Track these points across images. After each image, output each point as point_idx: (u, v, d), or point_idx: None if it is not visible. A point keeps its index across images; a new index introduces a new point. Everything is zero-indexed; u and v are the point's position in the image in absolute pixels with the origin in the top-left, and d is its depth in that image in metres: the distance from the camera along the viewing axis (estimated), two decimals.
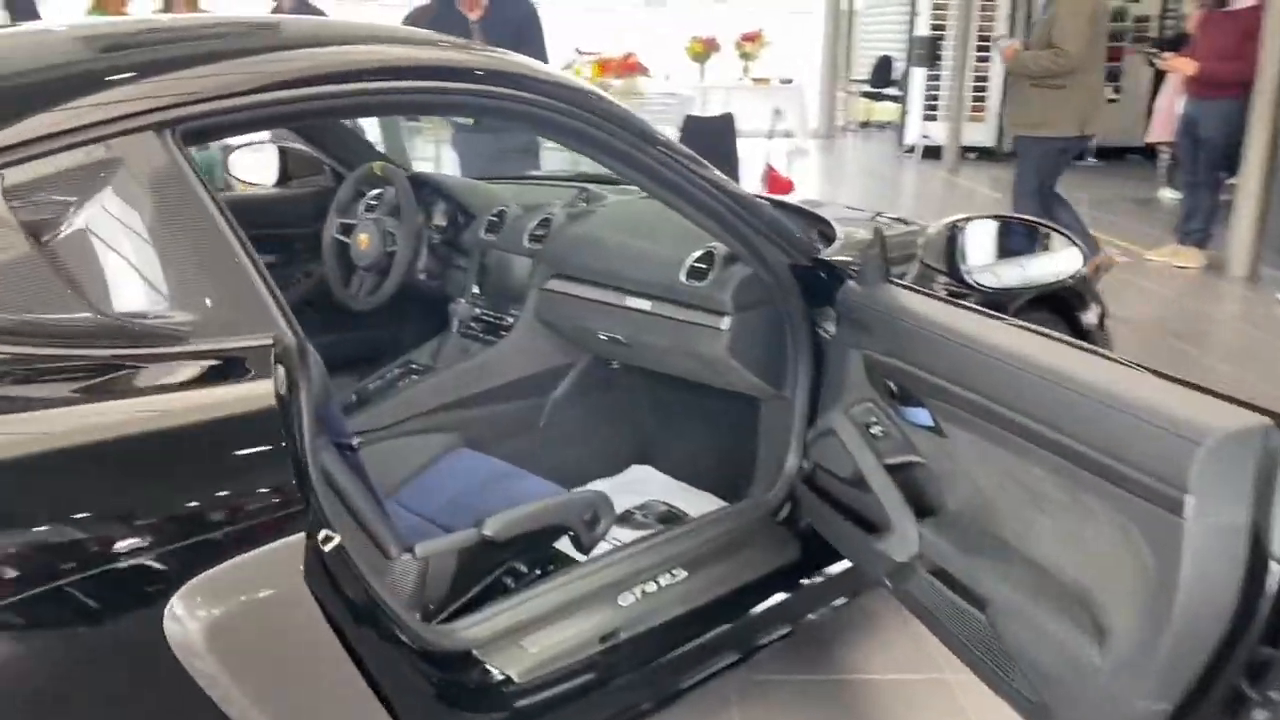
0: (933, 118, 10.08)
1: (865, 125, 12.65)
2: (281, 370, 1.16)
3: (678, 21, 11.25)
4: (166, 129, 1.20)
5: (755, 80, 9.73)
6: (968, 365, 1.51)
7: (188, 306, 1.18)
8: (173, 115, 1.21)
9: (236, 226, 1.22)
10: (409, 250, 2.48)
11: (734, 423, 2.19)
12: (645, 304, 2.17)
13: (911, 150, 10.16)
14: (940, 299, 1.76)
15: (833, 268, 1.89)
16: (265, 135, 3.01)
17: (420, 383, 2.41)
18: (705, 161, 1.79)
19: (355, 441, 1.53)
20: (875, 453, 1.73)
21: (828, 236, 2.11)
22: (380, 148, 3.78)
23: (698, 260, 2.06)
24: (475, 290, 2.57)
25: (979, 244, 2.27)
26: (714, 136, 6.07)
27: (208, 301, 1.19)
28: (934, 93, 10.09)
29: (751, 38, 9.63)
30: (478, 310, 2.55)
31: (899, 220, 2.58)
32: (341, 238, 2.64)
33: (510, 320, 2.46)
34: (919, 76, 10.21)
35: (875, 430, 1.74)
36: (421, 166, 4.12)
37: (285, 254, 2.87)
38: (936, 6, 9.99)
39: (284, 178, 2.92)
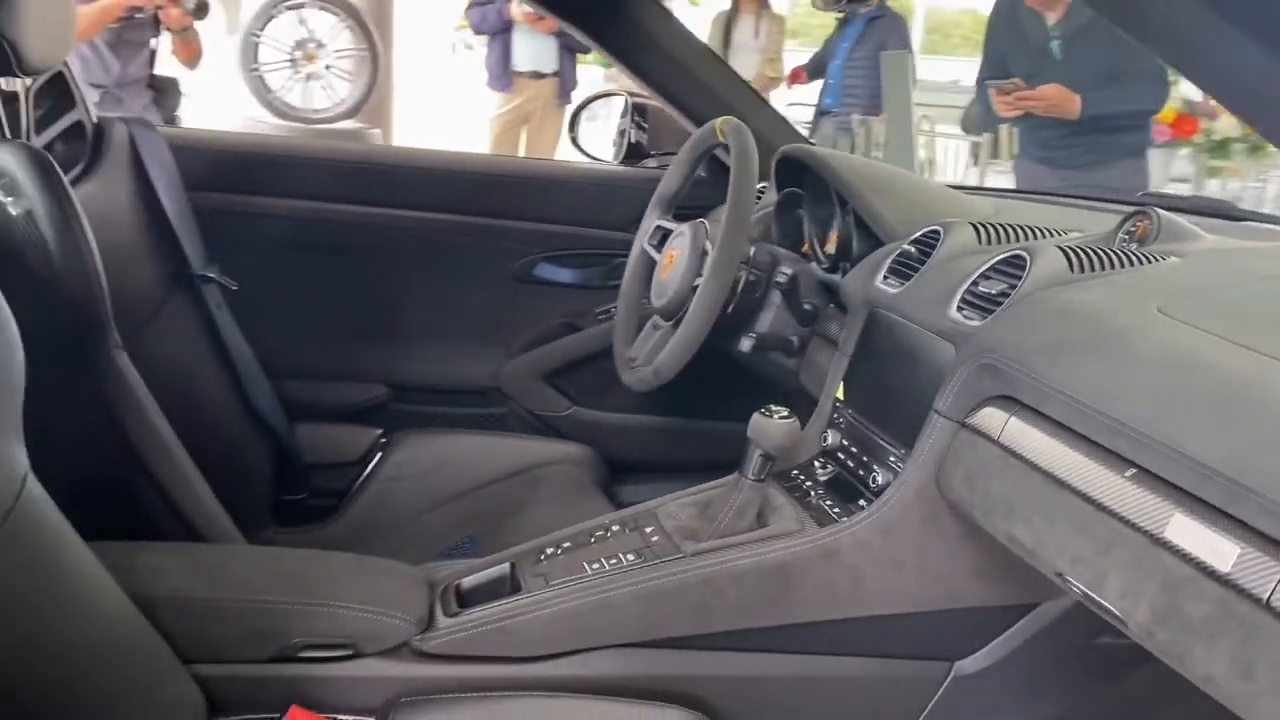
0: None
1: None
2: None
3: None
4: None
5: None
6: None
7: None
8: None
9: None
10: (720, 288, 1.20)
11: None
12: None
13: None
14: None
15: None
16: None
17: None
18: None
19: None
20: None
21: None
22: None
23: None
24: (838, 397, 1.19)
25: None
26: None
27: None
28: None
29: None
30: (838, 446, 1.16)
31: None
32: (654, 251, 1.45)
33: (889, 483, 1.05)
34: None
35: None
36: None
37: (602, 274, 1.78)
38: None
39: (635, 152, 1.83)
